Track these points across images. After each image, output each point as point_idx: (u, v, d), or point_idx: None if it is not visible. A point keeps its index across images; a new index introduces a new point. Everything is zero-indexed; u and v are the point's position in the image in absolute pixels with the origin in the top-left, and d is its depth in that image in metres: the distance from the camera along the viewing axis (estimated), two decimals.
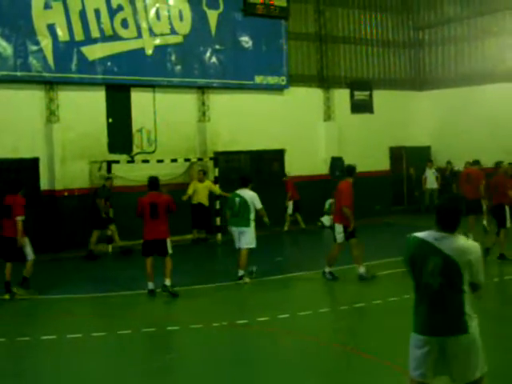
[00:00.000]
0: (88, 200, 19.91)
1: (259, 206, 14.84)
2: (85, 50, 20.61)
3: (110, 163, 20.34)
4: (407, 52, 29.47)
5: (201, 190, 21.26)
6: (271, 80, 24.51)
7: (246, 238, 14.75)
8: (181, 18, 22.53)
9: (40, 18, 19.78)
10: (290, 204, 23.51)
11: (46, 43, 19.88)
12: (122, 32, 21.32)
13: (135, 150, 21.78)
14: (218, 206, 22.07)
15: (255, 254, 15.17)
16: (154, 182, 14.18)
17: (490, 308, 10.96)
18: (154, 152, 22.01)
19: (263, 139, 24.18)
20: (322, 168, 25.91)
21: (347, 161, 25.87)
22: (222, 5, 23.31)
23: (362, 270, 14.57)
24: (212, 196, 21.72)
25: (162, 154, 21.84)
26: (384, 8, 28.51)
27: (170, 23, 22.31)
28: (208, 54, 23.11)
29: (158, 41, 22.03)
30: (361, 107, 27.47)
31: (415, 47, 29.63)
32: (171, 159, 21.51)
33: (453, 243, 6.06)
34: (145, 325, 11.57)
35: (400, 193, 28.53)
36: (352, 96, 27.33)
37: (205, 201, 21.37)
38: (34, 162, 20.04)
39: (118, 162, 20.71)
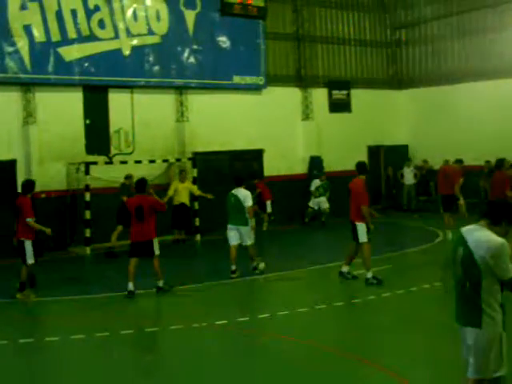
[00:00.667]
0: (66, 201, 19.82)
1: (249, 203, 15.37)
2: (62, 50, 20.49)
3: (87, 164, 20.23)
4: (385, 51, 29.61)
5: (182, 191, 21.23)
6: (249, 80, 24.51)
7: (246, 236, 15.41)
8: (158, 19, 22.46)
9: (16, 18, 19.64)
10: (269, 203, 23.50)
11: (23, 44, 19.74)
12: (99, 32, 21.23)
13: (113, 151, 21.70)
14: (196, 207, 22.02)
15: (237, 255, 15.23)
16: (140, 183, 14.24)
17: None
18: (132, 153, 21.93)
19: (241, 139, 24.18)
20: (300, 167, 25.97)
21: (326, 160, 26.06)
22: (199, 5, 23.27)
23: (369, 274, 14.12)
24: (191, 197, 21.67)
25: (140, 154, 21.77)
26: (361, 8, 28.62)
27: (148, 23, 22.24)
28: (186, 55, 23.07)
29: (135, 41, 21.95)
30: (339, 106, 27.55)
31: (393, 46, 29.77)
32: (149, 160, 21.45)
33: (476, 235, 6.16)
34: (124, 327, 11.51)
35: (378, 191, 28.62)
36: (330, 95, 27.41)
37: (187, 201, 21.36)
38: (11, 163, 19.92)
39: (95, 163, 20.60)
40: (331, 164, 26.31)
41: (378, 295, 12.93)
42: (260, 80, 24.82)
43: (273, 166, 24.83)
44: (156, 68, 22.42)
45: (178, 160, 22.39)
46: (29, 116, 20.15)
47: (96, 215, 19.94)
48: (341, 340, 10.28)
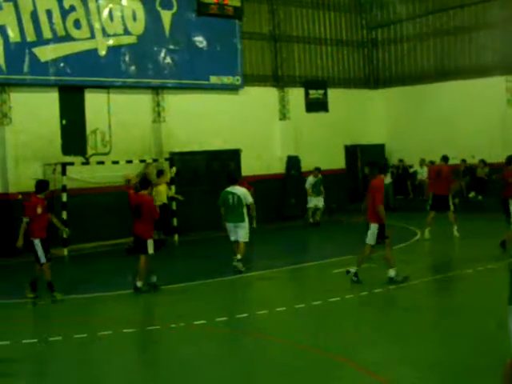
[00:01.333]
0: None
1: (250, 200, 15.82)
2: (37, 51, 20.37)
3: (64, 165, 20.13)
4: (361, 51, 29.76)
5: (162, 191, 21.19)
6: (226, 80, 24.52)
7: (243, 232, 15.65)
8: (134, 19, 22.40)
9: None
10: None
11: None
12: (74, 33, 21.13)
13: (90, 151, 21.61)
14: (174, 207, 21.98)
15: (215, 255, 15.23)
16: (144, 181, 14.69)
17: None
18: (108, 153, 21.86)
19: (219, 139, 24.17)
20: (278, 167, 26.03)
21: (303, 159, 26.13)
22: (175, 5, 23.25)
23: (392, 273, 13.81)
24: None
25: (117, 155, 21.70)
26: (337, 7, 28.74)
27: (124, 24, 22.17)
28: (162, 55, 23.04)
29: (111, 41, 21.88)
30: (316, 106, 27.64)
31: (369, 46, 29.91)
32: (126, 160, 21.37)
33: None
34: (103, 327, 11.46)
35: (355, 191, 28.74)
36: (307, 95, 27.49)
37: (166, 201, 21.32)
38: None
39: (72, 163, 20.50)
40: (308, 163, 26.36)
41: (356, 294, 12.98)
42: (237, 80, 24.83)
43: (250, 166, 24.84)
44: (132, 68, 22.37)
45: (155, 160, 22.35)
46: (4, 117, 20.03)
47: (73, 216, 19.83)
48: (319, 339, 10.30)
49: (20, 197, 19.98)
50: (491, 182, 25.09)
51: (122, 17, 22.13)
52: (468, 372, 8.42)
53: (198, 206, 22.78)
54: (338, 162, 28.10)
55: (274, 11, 26.60)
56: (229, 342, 10.49)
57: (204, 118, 23.79)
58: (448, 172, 19.65)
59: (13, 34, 19.90)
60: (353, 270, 13.88)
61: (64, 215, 19.86)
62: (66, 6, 20.90)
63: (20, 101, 20.24)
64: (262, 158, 25.46)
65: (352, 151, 28.67)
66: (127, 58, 22.23)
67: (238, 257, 15.57)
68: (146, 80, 22.76)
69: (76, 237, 19.69)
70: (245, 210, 15.71)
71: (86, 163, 21.10)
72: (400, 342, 9.91)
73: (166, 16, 23.13)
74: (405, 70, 29.12)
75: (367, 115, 28.94)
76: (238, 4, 24.50)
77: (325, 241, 21.33)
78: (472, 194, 26.02)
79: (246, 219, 15.78)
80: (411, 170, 27.93)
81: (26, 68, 20.18)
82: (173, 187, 21.54)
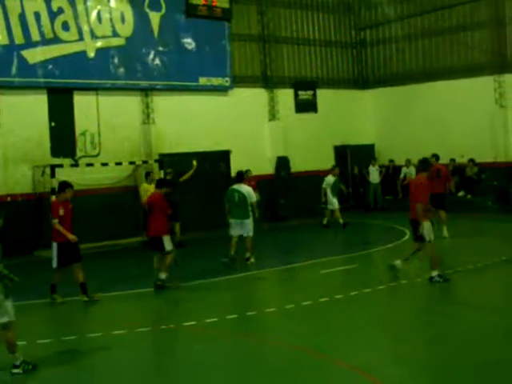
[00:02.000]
0: (32, 204, 19.85)
1: (254, 199, 16.56)
2: (25, 53, 20.36)
3: (53, 167, 20.09)
4: (350, 51, 29.83)
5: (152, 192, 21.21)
6: (215, 81, 24.54)
7: (248, 228, 16.51)
8: (123, 21, 22.40)
9: None
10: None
11: None
12: (63, 35, 21.12)
13: (79, 153, 21.60)
14: None
15: (205, 254, 15.25)
16: (159, 181, 15.39)
17: None
18: (98, 155, 21.84)
19: (208, 140, 24.17)
20: (267, 168, 26.04)
21: (293, 160, 26.16)
22: (164, 7, 23.26)
23: (434, 273, 13.57)
24: None
25: (107, 157, 21.68)
26: (326, 9, 28.80)
27: (112, 25, 22.16)
28: (151, 56, 23.05)
29: (99, 43, 21.87)
30: (305, 107, 27.69)
31: (357, 47, 29.98)
32: (116, 162, 21.38)
33: None
34: (92, 330, 11.45)
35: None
36: (296, 96, 27.54)
37: None
38: None
39: (61, 166, 20.46)
40: (298, 164, 26.45)
41: (346, 294, 13.00)
42: (226, 81, 24.86)
43: (240, 167, 24.72)
44: (121, 70, 22.36)
45: (145, 162, 22.34)
46: None
47: None
48: (312, 340, 10.31)
49: (9, 199, 20.01)
50: (480, 181, 25.24)
51: (111, 19, 22.13)
52: (461, 371, 8.44)
53: (187, 208, 22.74)
54: (328, 162, 28.07)
55: (263, 12, 26.63)
56: (217, 343, 10.49)
57: (193, 120, 23.80)
58: (447, 171, 19.74)
59: (1, 37, 19.89)
60: (434, 273, 13.54)
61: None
62: (54, 8, 20.89)
63: (9, 103, 20.22)
64: (252, 159, 25.43)
65: (341, 151, 28.70)
66: (116, 60, 22.22)
67: (248, 254, 16.58)
68: (135, 82, 22.75)
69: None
70: (249, 208, 16.48)
71: (75, 165, 21.06)
72: (392, 342, 9.94)
73: (155, 18, 23.14)
74: (393, 70, 29.21)
75: (356, 115, 29.01)
76: (227, 5, 24.53)
77: (313, 241, 21.33)
78: (461, 193, 26.10)
79: (251, 216, 16.55)
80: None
81: (14, 70, 20.16)
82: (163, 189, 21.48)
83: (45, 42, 20.72)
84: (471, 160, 25.73)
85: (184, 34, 23.81)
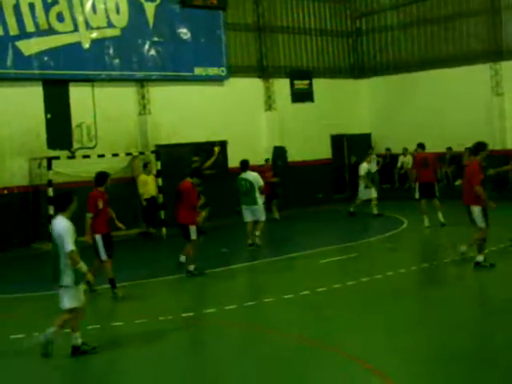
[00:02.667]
0: (29, 197, 19.82)
1: (260, 183, 17.25)
2: (20, 44, 20.27)
3: (49, 159, 20.04)
4: (345, 40, 29.77)
5: (151, 183, 21.28)
6: (211, 71, 24.47)
7: (259, 213, 17.30)
8: (117, 11, 22.31)
9: None
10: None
11: None
12: (57, 26, 21.03)
13: (75, 145, 21.54)
14: (161, 200, 21.93)
15: (201, 246, 15.26)
16: (195, 170, 15.58)
17: None
18: (94, 147, 21.79)
19: (205, 131, 24.11)
20: (264, 158, 25.95)
21: (290, 150, 26.13)
22: None
23: (480, 258, 13.52)
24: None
25: (103, 148, 21.63)
26: None
27: (107, 16, 22.07)
28: (146, 47, 22.97)
29: (95, 34, 21.79)
30: (301, 96, 27.64)
31: (353, 35, 29.92)
32: (112, 154, 21.31)
33: None
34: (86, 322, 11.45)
35: (342, 180, 28.80)
36: (292, 85, 27.48)
37: (154, 193, 21.38)
38: None
39: (58, 158, 20.41)
40: (295, 153, 26.43)
41: (344, 283, 13.02)
42: (222, 71, 24.79)
43: (237, 157, 24.67)
44: (117, 61, 22.29)
45: (142, 153, 22.31)
46: None
47: None
48: (311, 329, 10.33)
49: (6, 192, 19.97)
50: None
51: (106, 9, 22.03)
52: (456, 359, 8.48)
53: None
54: (325, 151, 28.13)
55: (258, 2, 26.55)
56: (217, 334, 10.50)
57: (190, 110, 23.74)
58: (434, 160, 19.77)
59: None
60: (480, 258, 13.49)
61: (50, 210, 19.78)
62: None
63: (4, 95, 20.13)
64: (249, 149, 25.33)
65: (338, 141, 28.69)
66: (111, 51, 22.14)
67: (257, 233, 17.32)
68: (131, 73, 22.69)
69: None
70: (257, 194, 17.15)
71: (72, 157, 21.01)
72: (389, 331, 9.96)
73: (150, 8, 23.04)
74: (390, 59, 29.17)
75: (353, 104, 28.97)
76: None
77: (313, 231, 21.34)
78: (458, 182, 26.08)
79: (260, 201, 17.28)
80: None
81: (9, 62, 20.08)
82: (159, 179, 21.52)
83: (40, 33, 20.63)
84: (468, 148, 25.68)
85: (179, 24, 23.72)
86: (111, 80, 22.26)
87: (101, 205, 13.07)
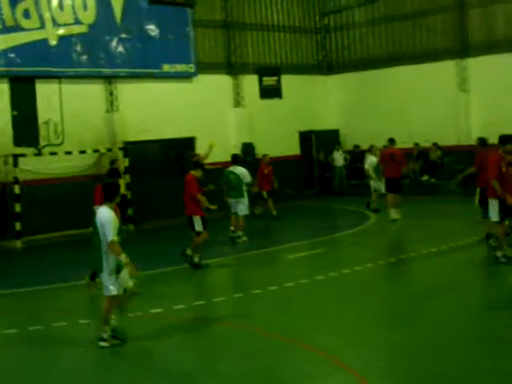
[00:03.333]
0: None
1: (248, 179, 17.85)
2: None
3: (16, 157, 19.90)
4: (314, 37, 29.86)
5: (121, 181, 21.12)
6: (179, 68, 24.43)
7: (242, 207, 17.78)
8: (85, 8, 22.16)
9: None
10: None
11: None
12: (24, 22, 20.85)
13: (42, 142, 21.37)
14: (129, 197, 21.88)
15: (171, 244, 15.25)
16: (196, 162, 15.86)
17: None
18: (61, 144, 21.64)
19: (173, 127, 24.07)
20: (233, 152, 25.95)
21: (259, 146, 26.16)
22: None
23: (499, 253, 13.29)
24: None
25: (70, 145, 21.51)
26: None
27: (74, 13, 21.92)
28: (114, 43, 22.86)
29: (61, 31, 21.64)
30: (269, 92, 27.69)
31: (321, 32, 30.03)
32: (80, 151, 21.23)
33: None
34: (57, 319, 11.39)
35: (311, 176, 28.92)
36: (260, 82, 27.51)
37: (124, 190, 21.26)
38: None
39: (24, 155, 20.27)
40: (264, 150, 26.43)
41: (312, 278, 13.10)
42: (190, 68, 24.76)
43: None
44: (84, 57, 22.15)
45: (109, 150, 22.21)
46: None
47: (27, 208, 19.66)
48: (275, 322, 10.39)
49: None
50: (444, 164, 25.50)
51: (73, 6, 21.87)
52: (428, 353, 8.53)
53: (153, 195, 22.73)
54: (294, 148, 28.21)
55: None
56: (186, 330, 10.51)
57: (158, 107, 23.67)
58: (401, 155, 19.91)
59: None
60: (499, 253, 13.30)
61: (17, 207, 19.67)
62: None
63: None
64: (218, 146, 25.31)
65: (307, 137, 28.79)
66: (78, 48, 22.00)
67: (239, 233, 17.77)
68: (98, 69, 22.55)
69: (30, 228, 19.56)
70: (244, 187, 17.77)
71: (39, 154, 20.87)
72: (357, 325, 10.03)
73: (117, 4, 22.92)
74: (357, 55, 29.32)
75: (321, 101, 29.07)
76: None
77: (283, 227, 21.40)
78: (425, 177, 26.37)
79: (246, 195, 17.84)
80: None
81: None
82: (127, 176, 21.44)
83: (6, 29, 20.43)
84: (435, 144, 25.99)
85: (147, 20, 23.64)
86: (78, 77, 22.13)
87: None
